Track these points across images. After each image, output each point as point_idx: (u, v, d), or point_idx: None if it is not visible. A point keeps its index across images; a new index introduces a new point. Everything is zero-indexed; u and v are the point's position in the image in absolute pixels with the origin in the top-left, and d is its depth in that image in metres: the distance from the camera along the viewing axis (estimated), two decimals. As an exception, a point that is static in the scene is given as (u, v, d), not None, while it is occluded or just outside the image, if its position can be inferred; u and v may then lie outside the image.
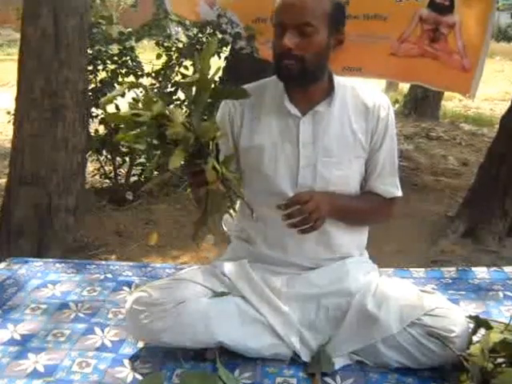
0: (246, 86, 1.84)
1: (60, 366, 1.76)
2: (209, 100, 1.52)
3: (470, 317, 1.73)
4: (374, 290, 1.74)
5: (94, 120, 4.16)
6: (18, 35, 3.56)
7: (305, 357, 1.73)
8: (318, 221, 1.63)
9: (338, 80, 1.78)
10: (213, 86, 1.52)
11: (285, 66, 1.64)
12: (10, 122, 3.60)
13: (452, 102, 8.92)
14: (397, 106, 8.46)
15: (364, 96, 1.78)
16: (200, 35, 4.13)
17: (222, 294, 1.77)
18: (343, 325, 1.72)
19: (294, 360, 1.75)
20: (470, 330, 1.70)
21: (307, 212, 1.59)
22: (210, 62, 1.51)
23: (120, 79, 4.14)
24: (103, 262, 2.65)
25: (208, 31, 4.13)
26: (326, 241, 1.80)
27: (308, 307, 1.77)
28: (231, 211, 1.69)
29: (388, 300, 1.69)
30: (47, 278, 2.37)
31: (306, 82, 1.70)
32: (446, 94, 7.98)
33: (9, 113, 3.89)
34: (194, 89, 1.52)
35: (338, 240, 1.82)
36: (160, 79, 4.16)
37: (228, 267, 1.85)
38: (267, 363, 1.75)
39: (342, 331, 1.72)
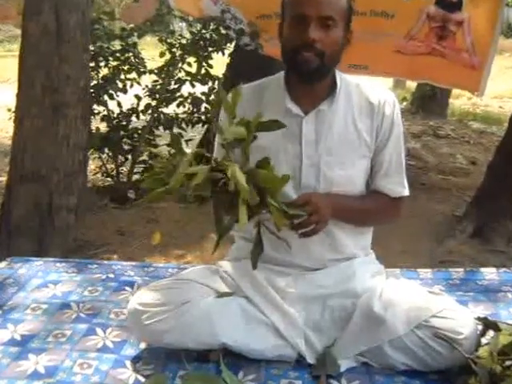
0: (246, 86, 1.83)
1: (61, 366, 1.75)
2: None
3: (479, 318, 1.73)
4: (380, 291, 1.73)
5: (96, 117, 4.17)
6: (18, 31, 3.58)
7: (310, 358, 1.73)
8: (319, 224, 1.63)
9: (342, 77, 1.77)
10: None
11: (304, 60, 1.62)
12: (10, 119, 3.61)
13: (460, 100, 8.92)
14: (404, 103, 8.47)
15: (369, 93, 1.77)
16: (203, 31, 4.13)
17: (226, 295, 1.77)
18: (349, 326, 1.71)
19: (299, 362, 1.74)
20: (479, 332, 1.69)
21: (306, 215, 1.59)
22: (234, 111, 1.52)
23: (122, 76, 4.15)
24: (105, 262, 2.65)
25: (212, 27, 4.13)
26: (331, 242, 1.79)
27: (313, 308, 1.76)
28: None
29: (395, 301, 1.68)
30: (48, 278, 2.37)
31: (319, 79, 1.69)
32: (454, 91, 7.99)
33: (9, 110, 3.90)
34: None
35: (343, 241, 1.81)
36: (163, 76, 4.17)
37: (232, 267, 1.85)
38: (272, 365, 1.75)
39: (347, 333, 1.71)
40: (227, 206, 1.47)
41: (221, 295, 1.77)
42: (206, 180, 1.41)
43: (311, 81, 1.70)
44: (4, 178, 3.82)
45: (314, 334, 1.74)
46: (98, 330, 1.96)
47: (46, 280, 2.35)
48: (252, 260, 1.62)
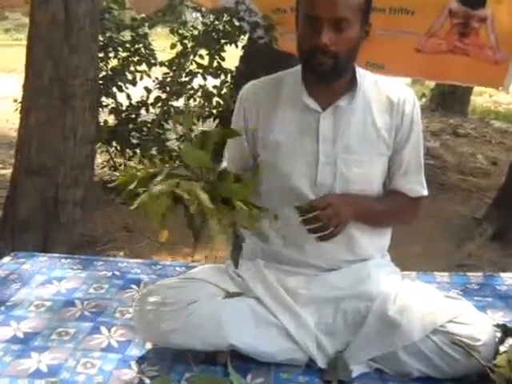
0: (262, 79, 1.85)
1: (64, 365, 1.76)
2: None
3: (497, 325, 1.71)
4: (395, 294, 1.72)
5: (104, 110, 4.18)
6: (26, 20, 3.58)
7: (321, 363, 1.72)
8: (338, 227, 1.63)
9: (361, 73, 1.77)
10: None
11: (318, 63, 1.62)
12: (17, 110, 3.63)
13: (482, 98, 8.86)
14: (423, 100, 8.42)
15: (388, 90, 1.77)
16: (216, 22, 4.13)
17: (235, 295, 1.77)
18: (362, 330, 1.71)
19: (310, 366, 1.74)
20: (497, 340, 1.68)
21: (326, 219, 1.60)
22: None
23: (132, 68, 4.15)
24: (111, 259, 2.66)
25: (225, 18, 4.12)
26: (347, 242, 1.78)
27: (325, 311, 1.76)
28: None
29: (410, 305, 1.68)
30: (52, 274, 2.38)
31: (335, 78, 1.69)
32: (476, 88, 7.93)
33: (16, 101, 3.92)
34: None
35: (359, 241, 1.80)
36: (174, 68, 4.17)
37: (242, 266, 1.84)
38: (281, 368, 1.75)
39: (360, 337, 1.71)
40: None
41: (230, 295, 1.77)
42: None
43: (328, 81, 1.70)
44: (9, 171, 3.83)
45: (325, 338, 1.74)
46: (103, 329, 1.97)
47: (50, 276, 2.36)
48: (233, 261, 1.63)
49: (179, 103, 4.35)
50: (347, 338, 1.74)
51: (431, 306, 1.68)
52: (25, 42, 3.19)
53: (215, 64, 4.16)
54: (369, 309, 1.72)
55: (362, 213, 1.74)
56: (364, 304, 1.74)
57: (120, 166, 4.37)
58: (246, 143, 1.84)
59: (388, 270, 1.87)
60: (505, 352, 1.64)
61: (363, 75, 1.77)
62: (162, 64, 4.22)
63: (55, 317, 2.06)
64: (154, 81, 4.24)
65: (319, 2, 1.59)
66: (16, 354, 1.82)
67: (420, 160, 1.83)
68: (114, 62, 4.15)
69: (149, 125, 4.29)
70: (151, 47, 4.23)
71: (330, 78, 1.69)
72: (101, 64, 3.90)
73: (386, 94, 1.76)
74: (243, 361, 1.74)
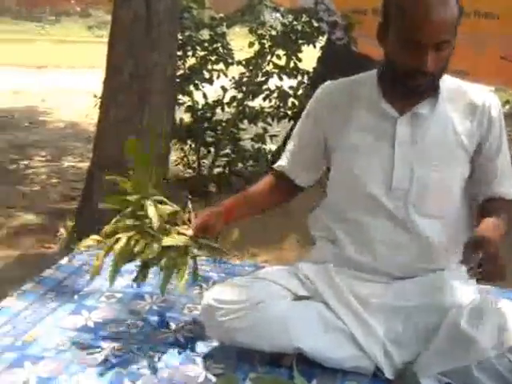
0: (339, 81, 1.85)
1: (131, 358, 1.80)
2: None
3: None
4: (470, 307, 1.67)
5: (181, 107, 4.25)
6: (108, 17, 3.69)
7: (388, 373, 1.69)
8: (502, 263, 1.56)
9: (443, 78, 1.73)
10: None
11: (417, 84, 1.63)
12: (96, 105, 3.73)
13: None
14: (507, 107, 8.16)
15: (471, 95, 1.74)
16: (295, 23, 4.13)
17: (303, 298, 1.77)
18: (434, 342, 1.66)
19: (376, 375, 1.71)
20: None
21: (498, 267, 1.54)
22: None
23: (209, 66, 4.20)
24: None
25: (304, 19, 4.12)
26: (422, 250, 1.74)
27: (395, 320, 1.73)
28: None
29: (486, 319, 1.62)
30: (124, 267, 2.42)
31: (429, 92, 1.69)
32: None
33: (95, 96, 4.04)
34: None
35: (435, 249, 1.76)
36: (251, 68, 4.19)
37: (311, 270, 1.84)
38: (348, 376, 1.72)
39: (431, 349, 1.66)
40: None
41: (298, 298, 1.77)
42: None
43: (422, 96, 1.69)
44: (86, 164, 3.95)
45: (393, 347, 1.70)
46: (170, 324, 2.00)
47: (121, 269, 2.41)
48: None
49: (255, 103, 4.37)
50: (416, 349, 1.70)
51: (508, 321, 1.62)
52: (106, 39, 3.28)
53: (292, 64, 4.16)
54: (441, 320, 1.67)
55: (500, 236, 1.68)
56: (437, 315, 1.69)
57: (193, 163, 4.43)
58: (314, 145, 1.85)
59: (463, 281, 1.81)
60: None
61: (444, 79, 1.73)
62: (239, 63, 4.25)
63: (124, 309, 2.10)
64: (230, 80, 4.27)
65: (425, 29, 1.56)
66: (86, 343, 1.87)
67: (510, 162, 1.81)
68: (191, 61, 4.21)
69: (223, 124, 4.33)
70: (229, 46, 4.27)
71: (424, 94, 1.69)
72: (179, 62, 3.96)
73: (469, 99, 1.73)
74: (309, 365, 1.73)
